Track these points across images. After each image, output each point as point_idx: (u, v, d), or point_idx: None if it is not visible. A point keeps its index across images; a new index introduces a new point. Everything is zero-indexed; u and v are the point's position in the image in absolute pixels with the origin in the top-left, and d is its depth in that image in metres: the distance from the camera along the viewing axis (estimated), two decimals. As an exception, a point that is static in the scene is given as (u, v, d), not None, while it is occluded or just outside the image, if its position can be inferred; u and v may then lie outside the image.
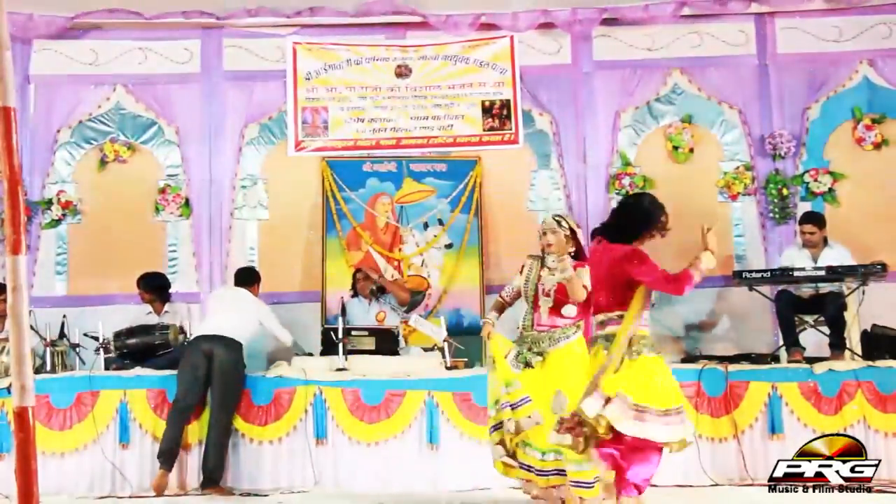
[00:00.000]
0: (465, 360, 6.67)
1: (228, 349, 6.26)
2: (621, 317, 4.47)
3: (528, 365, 5.00)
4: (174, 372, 6.29)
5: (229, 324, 6.40)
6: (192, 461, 6.21)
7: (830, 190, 7.96)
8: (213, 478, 5.99)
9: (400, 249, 8.14)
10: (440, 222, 8.15)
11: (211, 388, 6.21)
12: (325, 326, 7.16)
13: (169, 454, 6.04)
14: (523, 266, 5.29)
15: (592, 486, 4.66)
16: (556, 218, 5.19)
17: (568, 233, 5.13)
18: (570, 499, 4.80)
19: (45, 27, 8.00)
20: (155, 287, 7.20)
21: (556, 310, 5.06)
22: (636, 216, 4.62)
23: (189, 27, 8.12)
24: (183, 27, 8.11)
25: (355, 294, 7.45)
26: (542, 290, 5.10)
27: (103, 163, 8.10)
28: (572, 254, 5.13)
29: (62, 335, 6.72)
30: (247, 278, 6.96)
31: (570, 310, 5.05)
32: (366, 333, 6.73)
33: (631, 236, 4.56)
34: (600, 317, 4.60)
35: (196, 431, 6.24)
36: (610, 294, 4.53)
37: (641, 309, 4.45)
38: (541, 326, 5.08)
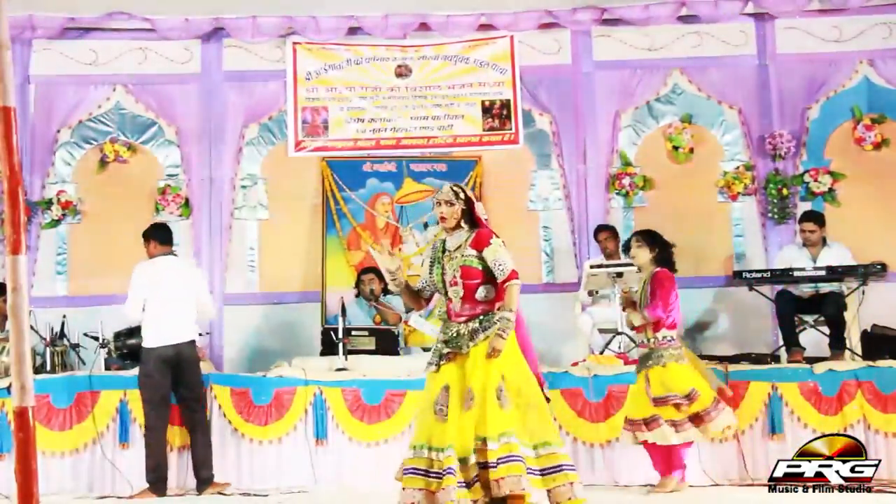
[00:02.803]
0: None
1: (189, 351, 6.03)
2: None
3: (449, 358, 4.47)
4: (174, 372, 6.31)
5: (178, 328, 6.01)
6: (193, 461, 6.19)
7: (830, 190, 7.95)
8: (209, 478, 5.95)
9: (400, 249, 8.13)
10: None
11: (178, 392, 6.02)
12: (325, 326, 7.16)
13: (162, 479, 5.87)
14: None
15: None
16: (455, 188, 4.60)
17: (465, 206, 4.57)
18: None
19: (45, 27, 8.00)
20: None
21: (468, 297, 4.51)
22: None
23: (189, 27, 8.11)
24: (183, 26, 8.11)
25: (359, 294, 7.43)
26: (448, 281, 4.55)
27: (103, 163, 8.10)
28: (467, 227, 4.58)
29: (62, 335, 6.71)
30: (170, 238, 6.25)
31: (483, 292, 4.51)
32: (366, 333, 6.74)
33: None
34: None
35: (184, 434, 6.16)
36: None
37: None
38: (458, 317, 4.51)
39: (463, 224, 4.59)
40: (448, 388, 4.40)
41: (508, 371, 4.41)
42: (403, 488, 4.38)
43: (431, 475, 4.31)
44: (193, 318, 6.14)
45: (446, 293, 4.58)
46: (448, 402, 4.37)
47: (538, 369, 4.69)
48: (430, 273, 4.63)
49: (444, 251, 4.62)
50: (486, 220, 4.65)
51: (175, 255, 6.26)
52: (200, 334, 6.85)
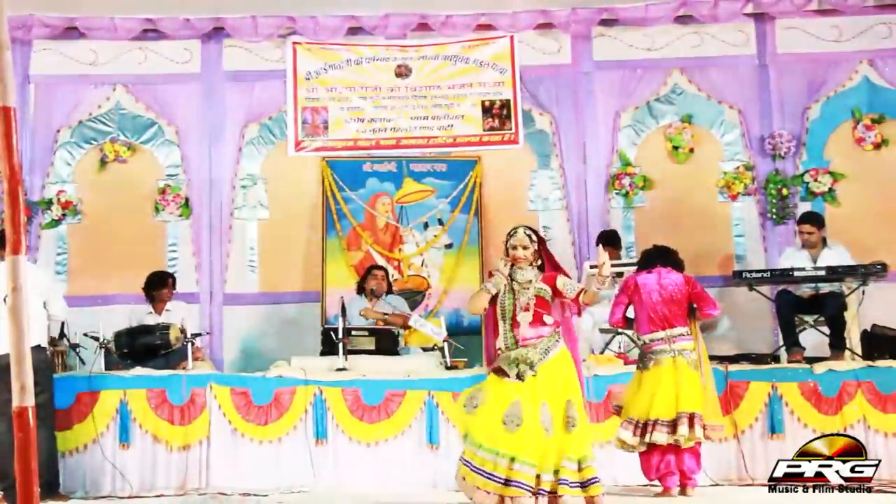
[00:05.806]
0: (465, 360, 6.66)
1: (34, 356, 5.77)
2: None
3: (519, 378, 4.77)
4: (174, 372, 6.29)
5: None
6: (193, 459, 6.19)
7: (830, 190, 7.96)
8: (52, 486, 5.79)
9: (400, 249, 8.14)
10: (440, 222, 8.16)
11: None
12: (325, 326, 7.16)
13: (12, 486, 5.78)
14: (493, 277, 5.00)
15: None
16: (528, 232, 4.99)
17: (537, 246, 4.99)
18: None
19: (45, 27, 8.00)
20: (167, 286, 7.07)
21: (537, 321, 4.87)
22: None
23: (189, 27, 8.12)
24: (183, 26, 8.11)
25: (359, 291, 7.40)
26: (520, 307, 4.90)
27: (103, 163, 8.10)
28: (539, 266, 4.98)
29: (62, 335, 6.71)
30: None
31: (550, 318, 4.91)
32: (366, 333, 6.73)
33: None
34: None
35: (184, 434, 6.17)
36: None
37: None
38: (526, 340, 4.84)
39: (534, 263, 4.97)
40: (520, 403, 4.70)
41: (577, 391, 4.87)
42: (477, 487, 4.64)
43: (509, 483, 4.63)
44: (39, 322, 5.90)
45: (513, 319, 4.88)
46: (522, 416, 4.68)
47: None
48: (503, 302, 4.93)
49: (512, 281, 4.94)
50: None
51: None
52: (200, 331, 6.86)
